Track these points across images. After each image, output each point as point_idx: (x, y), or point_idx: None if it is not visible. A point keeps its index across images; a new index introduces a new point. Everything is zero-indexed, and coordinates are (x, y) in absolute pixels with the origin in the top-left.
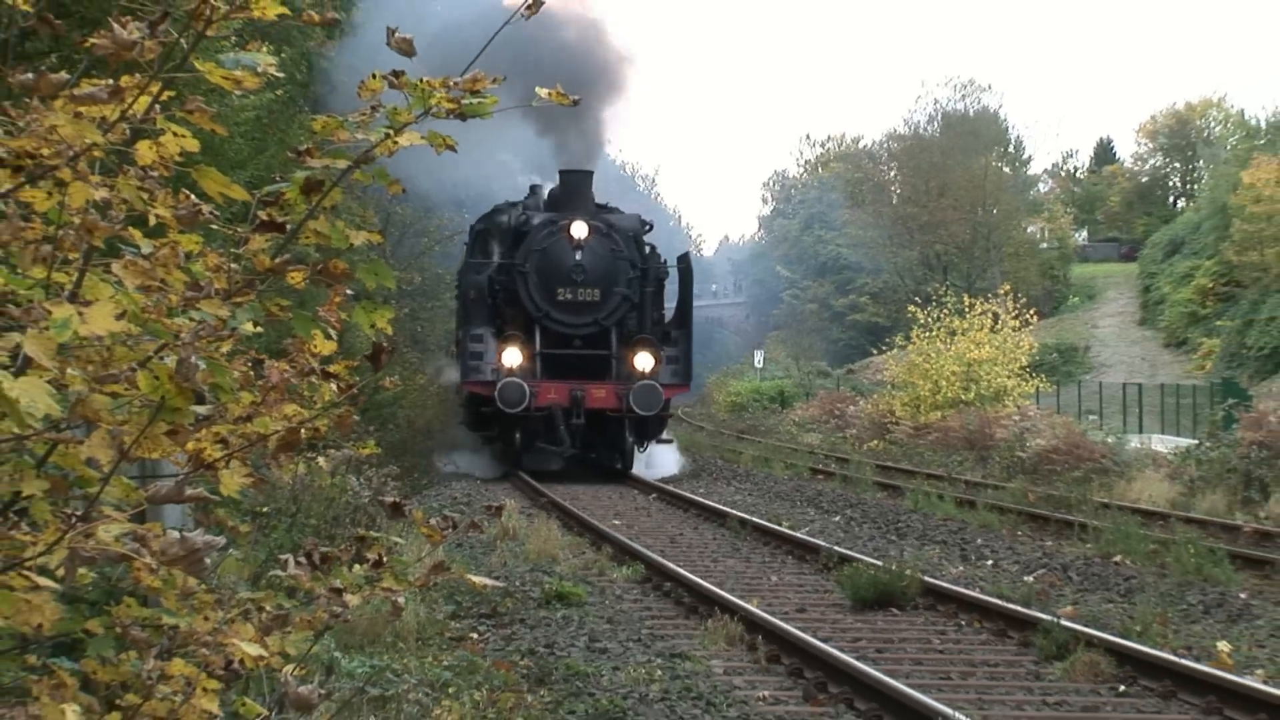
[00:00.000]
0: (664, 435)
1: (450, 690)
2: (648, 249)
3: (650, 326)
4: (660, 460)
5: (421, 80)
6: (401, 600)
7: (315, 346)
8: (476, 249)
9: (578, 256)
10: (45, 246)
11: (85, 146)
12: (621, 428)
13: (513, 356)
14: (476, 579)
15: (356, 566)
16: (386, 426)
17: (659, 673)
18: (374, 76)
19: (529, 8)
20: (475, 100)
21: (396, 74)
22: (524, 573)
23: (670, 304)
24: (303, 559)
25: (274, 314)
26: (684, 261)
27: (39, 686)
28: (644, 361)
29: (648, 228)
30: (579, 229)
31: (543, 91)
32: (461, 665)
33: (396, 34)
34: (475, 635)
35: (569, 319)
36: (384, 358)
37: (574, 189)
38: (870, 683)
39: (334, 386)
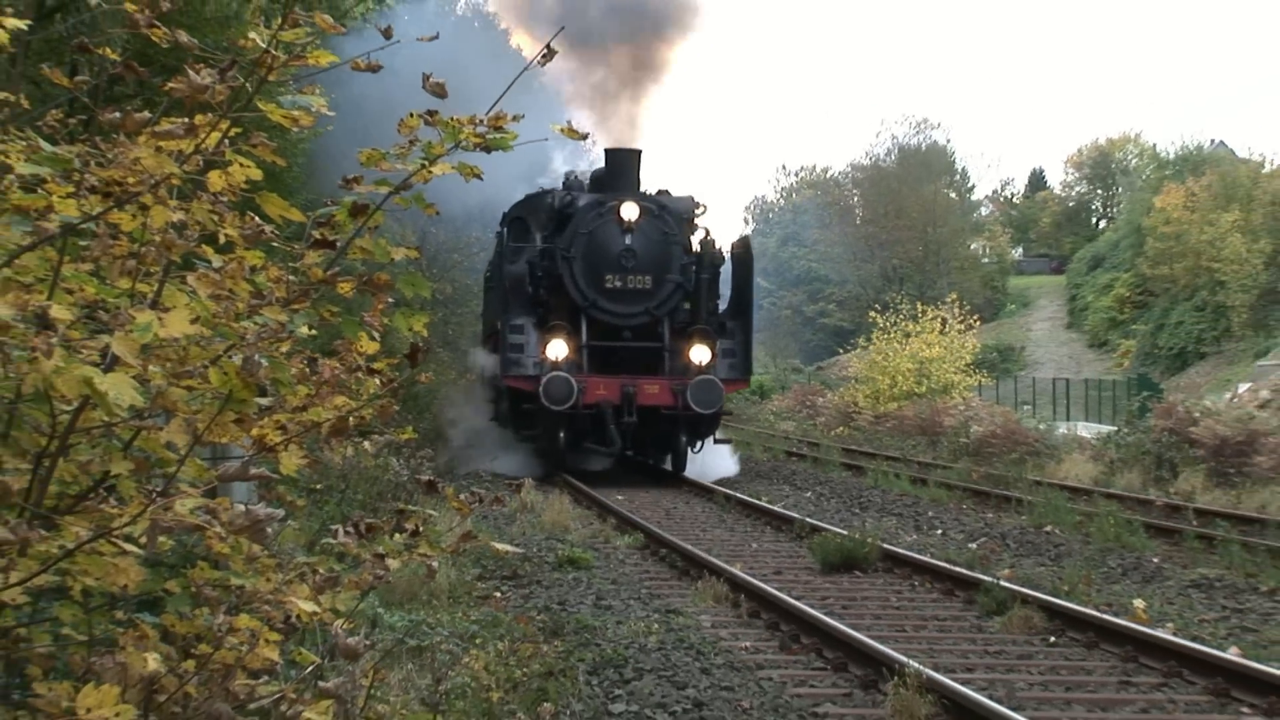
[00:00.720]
0: (718, 435)
1: (477, 641)
2: (701, 232)
3: (706, 317)
4: (715, 462)
5: (452, 118)
6: (435, 564)
7: (361, 347)
8: (513, 235)
9: (627, 241)
10: (130, 261)
11: (164, 176)
12: (674, 426)
13: (558, 349)
14: (499, 546)
15: (396, 535)
16: (423, 416)
17: (656, 626)
18: (412, 115)
19: (544, 58)
20: (498, 135)
21: (431, 113)
22: (540, 541)
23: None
24: (350, 529)
25: (326, 319)
26: (741, 245)
27: (125, 638)
28: (700, 354)
29: (701, 210)
30: (629, 210)
31: (556, 128)
32: (487, 620)
33: (431, 79)
34: (498, 594)
35: (618, 308)
36: (420, 356)
37: (620, 169)
38: (837, 635)
39: (377, 381)
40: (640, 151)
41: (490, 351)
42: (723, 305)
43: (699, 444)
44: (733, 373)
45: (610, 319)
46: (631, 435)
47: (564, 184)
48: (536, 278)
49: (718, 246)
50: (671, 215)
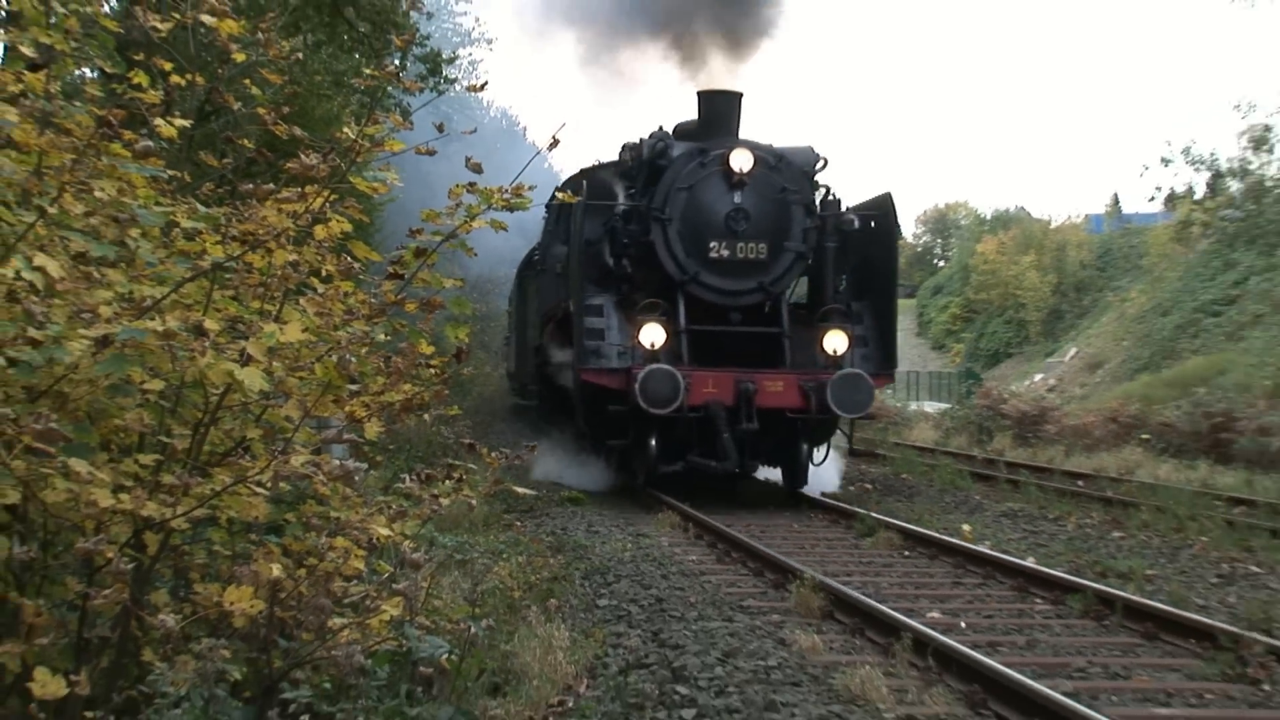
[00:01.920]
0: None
1: (504, 556)
2: (822, 191)
3: (833, 295)
4: (818, 471)
5: (486, 188)
6: (474, 502)
7: (421, 348)
8: (560, 217)
9: (737, 199)
10: (260, 289)
11: (284, 228)
12: (793, 433)
13: (654, 334)
14: (519, 489)
15: (447, 481)
16: (465, 398)
17: (630, 545)
18: (458, 186)
19: (551, 146)
20: (519, 199)
21: (471, 184)
22: (549, 485)
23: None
24: (414, 477)
25: (397, 329)
26: (886, 207)
27: (257, 553)
28: (836, 342)
29: (822, 164)
30: (741, 159)
31: (562, 195)
32: (510, 541)
33: (471, 160)
34: (519, 523)
35: (725, 283)
36: (463, 356)
37: (718, 117)
38: (757, 551)
39: (433, 373)
40: (742, 95)
41: (528, 346)
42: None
43: (821, 453)
44: (870, 365)
45: (715, 297)
46: (749, 445)
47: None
48: (619, 246)
49: (844, 209)
50: (791, 168)
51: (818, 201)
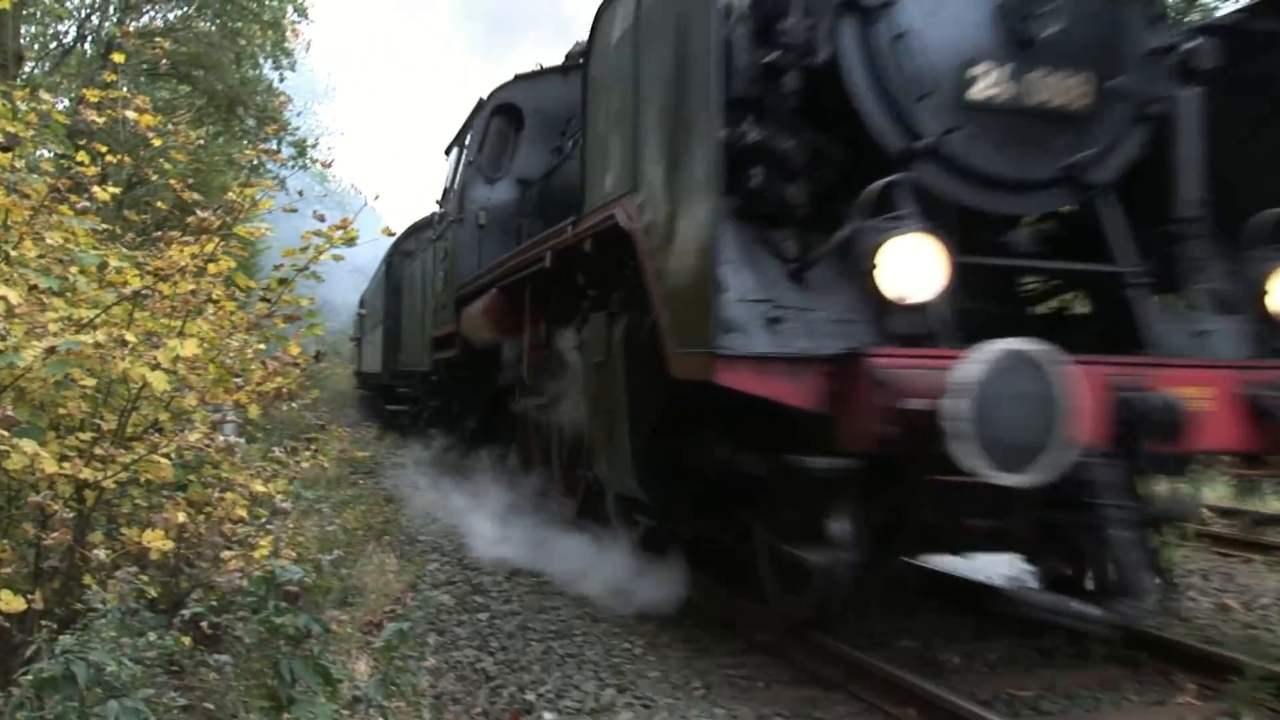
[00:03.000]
0: None
1: (350, 505)
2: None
3: (1195, 196)
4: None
5: (332, 227)
6: (327, 465)
7: (289, 350)
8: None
9: None
10: (169, 309)
11: (186, 264)
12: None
13: (925, 264)
14: (360, 453)
15: (307, 451)
16: (323, 389)
17: (443, 497)
18: (308, 232)
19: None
20: (348, 235)
21: (318, 231)
22: (385, 454)
23: None
24: (283, 448)
25: (270, 337)
26: None
27: (168, 505)
28: None
29: None
30: None
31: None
32: (355, 494)
33: (317, 212)
34: (360, 480)
35: (1006, 163)
36: (321, 356)
37: None
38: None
39: (298, 369)
40: None
41: (421, 337)
42: None
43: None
44: None
45: (985, 197)
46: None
47: None
48: (760, 110)
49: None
50: None
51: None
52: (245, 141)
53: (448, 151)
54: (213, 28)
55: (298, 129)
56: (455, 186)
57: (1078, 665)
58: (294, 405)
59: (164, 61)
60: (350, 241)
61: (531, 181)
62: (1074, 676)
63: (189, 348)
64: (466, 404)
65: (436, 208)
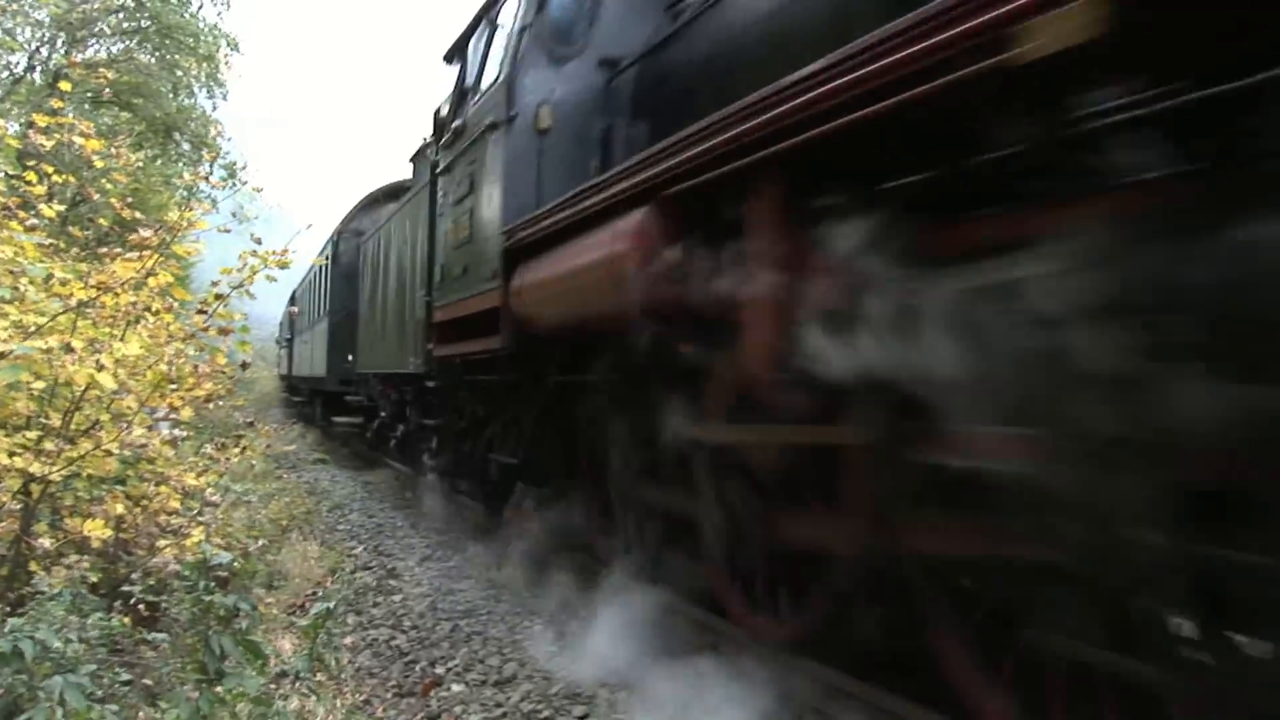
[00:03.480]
0: None
1: (275, 497)
2: None
3: None
4: None
5: (270, 251)
6: (254, 461)
7: (218, 359)
8: None
9: None
10: (112, 319)
11: (128, 279)
12: None
13: None
14: (286, 447)
15: (235, 447)
16: (250, 392)
17: (359, 489)
18: (245, 252)
19: (307, 227)
20: (284, 259)
21: (254, 252)
22: (308, 449)
23: None
24: (215, 444)
25: (202, 346)
26: None
27: (108, 497)
28: None
29: None
30: None
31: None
32: (280, 487)
33: (254, 235)
34: (284, 475)
35: None
36: (246, 366)
37: None
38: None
39: (228, 374)
40: None
41: (406, 322)
42: None
43: None
44: None
45: None
46: None
47: None
48: None
49: None
50: None
51: None
52: (181, 164)
53: (455, 55)
54: (152, 60)
55: (228, 154)
56: (490, 80)
57: None
58: (221, 404)
59: (107, 90)
60: (284, 265)
61: (627, 62)
62: None
63: (132, 346)
64: (508, 425)
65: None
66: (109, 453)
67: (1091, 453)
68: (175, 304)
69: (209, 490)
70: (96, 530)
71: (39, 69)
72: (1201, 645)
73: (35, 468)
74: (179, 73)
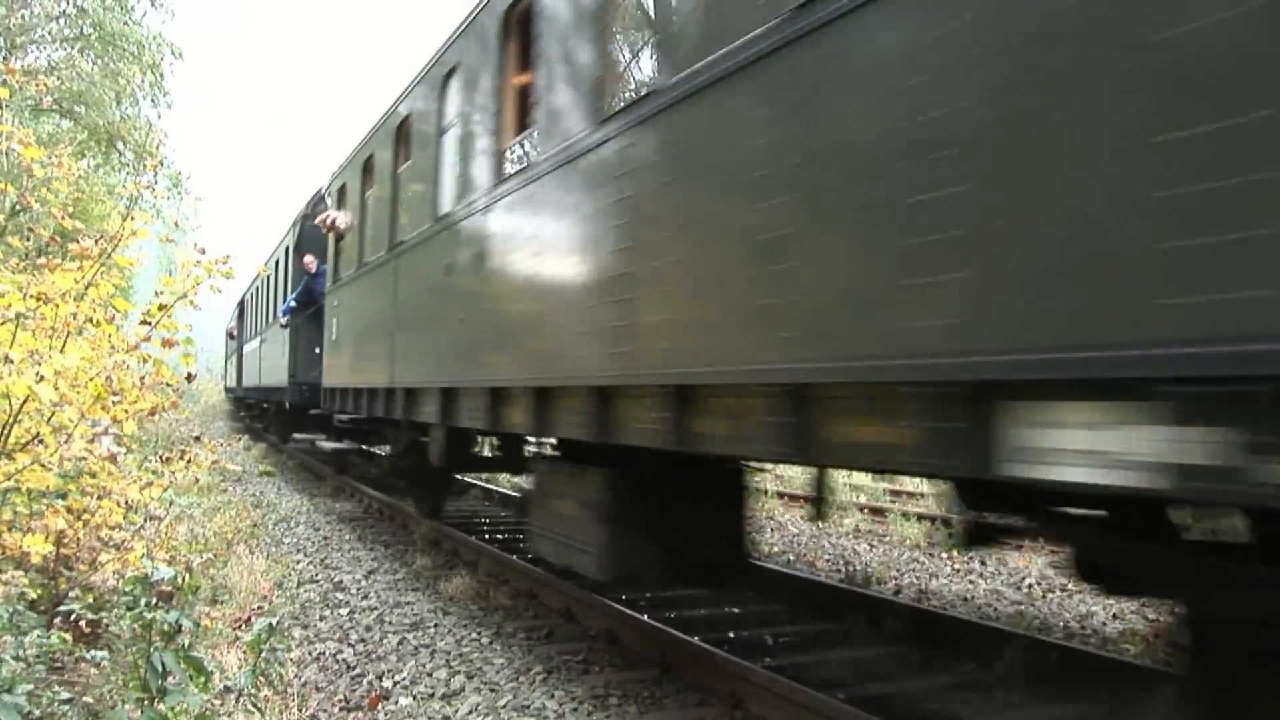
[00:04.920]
0: None
1: (221, 510)
2: None
3: None
4: None
5: (214, 260)
6: (199, 475)
7: (162, 372)
8: None
9: None
10: (51, 330)
11: (68, 289)
12: None
13: None
14: (231, 465)
15: (180, 461)
16: (196, 405)
17: (306, 502)
18: (187, 261)
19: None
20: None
21: (198, 262)
22: (253, 463)
23: None
24: (159, 458)
25: (146, 357)
26: None
27: (49, 512)
28: None
29: None
30: None
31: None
32: (226, 500)
33: (197, 245)
34: (230, 488)
35: None
36: (192, 378)
37: None
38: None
39: (172, 388)
40: None
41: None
42: None
43: None
44: None
45: None
46: None
47: None
48: None
49: None
50: None
51: None
52: (124, 174)
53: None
54: (94, 67)
55: (173, 163)
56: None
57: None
58: (165, 416)
59: (48, 98)
60: (228, 275)
61: None
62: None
63: (71, 357)
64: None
65: None
66: (45, 467)
67: None
68: (117, 315)
69: (152, 504)
70: (36, 545)
71: None
72: None
73: None
74: (122, 81)
